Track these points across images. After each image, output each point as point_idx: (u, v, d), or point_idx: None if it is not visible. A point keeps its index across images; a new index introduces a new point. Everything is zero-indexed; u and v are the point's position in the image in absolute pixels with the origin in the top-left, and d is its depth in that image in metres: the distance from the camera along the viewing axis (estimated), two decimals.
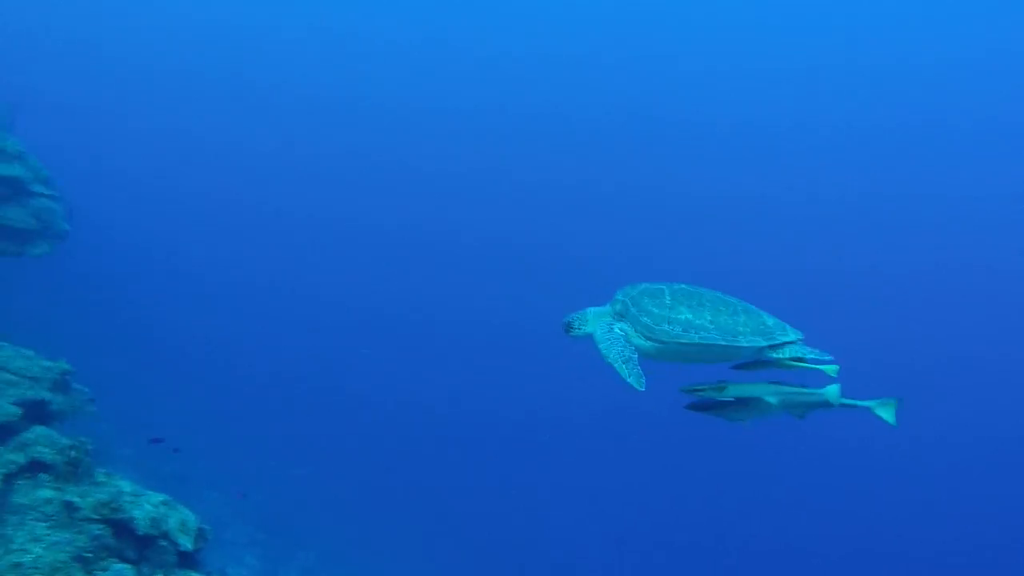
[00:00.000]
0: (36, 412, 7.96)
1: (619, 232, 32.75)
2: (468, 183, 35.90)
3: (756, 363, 4.46)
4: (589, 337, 4.53)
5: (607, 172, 36.12)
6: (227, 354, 20.35)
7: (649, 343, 4.37)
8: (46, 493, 6.81)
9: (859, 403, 4.44)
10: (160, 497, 7.33)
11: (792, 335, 4.39)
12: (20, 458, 6.98)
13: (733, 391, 4.44)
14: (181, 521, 7.28)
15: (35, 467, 7.02)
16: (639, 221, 33.87)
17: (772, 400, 4.44)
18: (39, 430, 7.35)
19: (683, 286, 4.54)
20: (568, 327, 4.60)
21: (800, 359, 4.33)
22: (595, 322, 4.54)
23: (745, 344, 4.30)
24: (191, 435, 13.57)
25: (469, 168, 36.56)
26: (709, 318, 4.34)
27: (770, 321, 4.42)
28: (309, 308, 26.12)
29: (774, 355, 4.36)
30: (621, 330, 4.47)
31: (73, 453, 7.11)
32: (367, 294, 28.67)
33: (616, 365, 4.32)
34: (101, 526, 6.72)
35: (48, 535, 6.53)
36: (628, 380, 4.25)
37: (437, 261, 31.21)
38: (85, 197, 16.02)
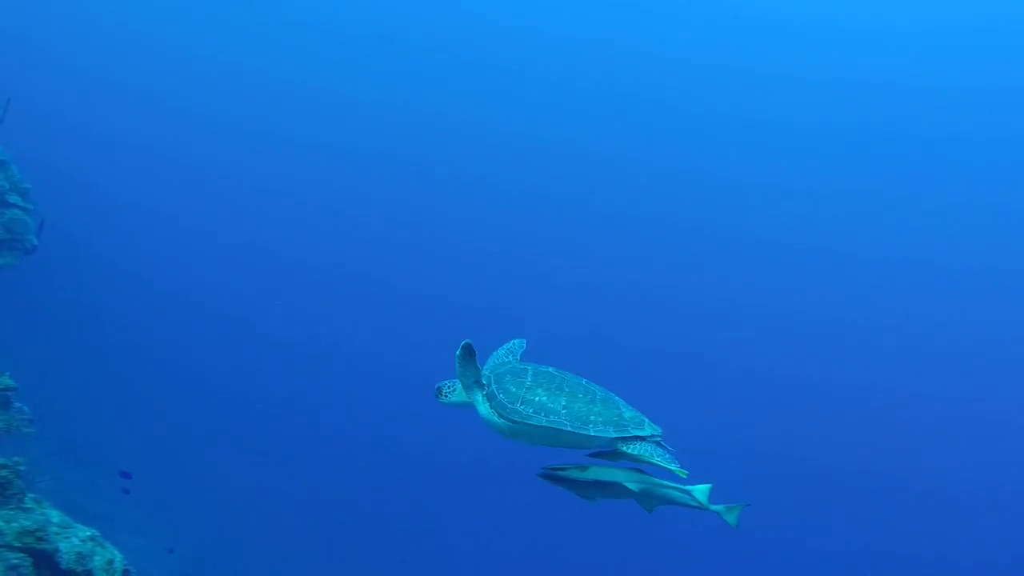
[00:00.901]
0: None
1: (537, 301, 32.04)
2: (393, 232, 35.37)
3: (611, 453, 4.35)
4: (454, 406, 4.60)
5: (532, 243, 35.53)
6: (183, 387, 19.65)
7: (501, 421, 4.33)
8: None
9: (711, 506, 4.37)
10: (88, 532, 6.89)
11: (648, 430, 4.28)
12: None
13: (594, 473, 4.37)
14: (108, 560, 6.83)
15: None
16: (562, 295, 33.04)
17: (633, 487, 4.36)
18: None
19: (549, 369, 4.55)
20: (438, 392, 4.66)
21: (648, 456, 4.19)
22: (462, 392, 4.56)
23: (594, 433, 4.21)
24: (129, 472, 12.92)
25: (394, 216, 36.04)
26: (564, 403, 4.28)
27: (628, 414, 4.32)
28: (277, 340, 25.54)
29: (624, 448, 4.25)
30: (481, 397, 4.48)
31: (4, 473, 6.66)
32: (332, 327, 28.12)
33: (458, 382, 4.47)
34: (21, 555, 6.27)
35: None
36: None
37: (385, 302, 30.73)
38: (59, 214, 15.70)
